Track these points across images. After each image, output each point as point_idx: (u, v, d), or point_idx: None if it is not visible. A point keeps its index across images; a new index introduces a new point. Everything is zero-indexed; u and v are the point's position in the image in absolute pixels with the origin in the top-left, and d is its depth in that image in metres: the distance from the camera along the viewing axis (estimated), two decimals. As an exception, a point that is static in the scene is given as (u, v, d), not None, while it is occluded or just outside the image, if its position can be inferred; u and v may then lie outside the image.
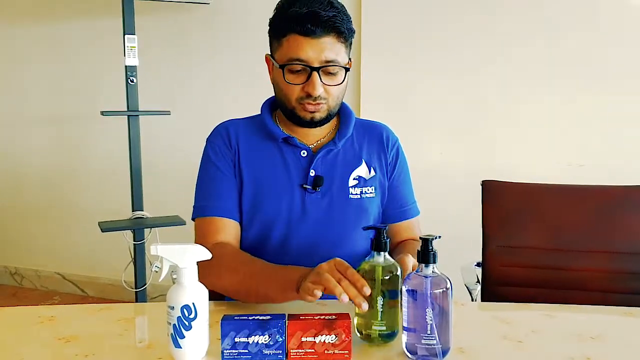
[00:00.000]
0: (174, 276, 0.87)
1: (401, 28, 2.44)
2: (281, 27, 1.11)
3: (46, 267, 3.25)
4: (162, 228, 2.49)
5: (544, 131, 2.32)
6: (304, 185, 1.18)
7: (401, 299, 0.88)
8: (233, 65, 2.74)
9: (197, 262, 0.87)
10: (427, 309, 0.84)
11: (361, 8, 2.46)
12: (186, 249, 0.86)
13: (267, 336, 0.85)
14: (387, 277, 0.90)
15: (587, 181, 1.50)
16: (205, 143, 1.25)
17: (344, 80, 1.15)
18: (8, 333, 1.00)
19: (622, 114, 2.22)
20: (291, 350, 0.85)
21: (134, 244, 2.50)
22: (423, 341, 0.85)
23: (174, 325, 0.84)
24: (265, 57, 1.20)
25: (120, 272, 2.64)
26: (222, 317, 0.87)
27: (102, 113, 2.38)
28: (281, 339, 0.85)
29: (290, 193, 1.18)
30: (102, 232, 2.35)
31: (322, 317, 0.86)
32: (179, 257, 0.85)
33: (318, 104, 1.13)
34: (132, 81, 2.41)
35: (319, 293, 0.88)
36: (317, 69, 1.10)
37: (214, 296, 1.21)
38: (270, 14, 1.16)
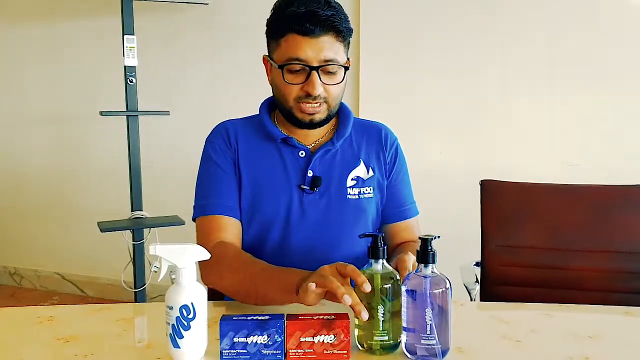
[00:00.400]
0: (173, 276, 0.87)
1: (400, 28, 2.44)
2: (279, 27, 1.11)
3: (45, 267, 3.25)
4: (161, 228, 2.49)
5: (543, 131, 2.32)
6: (302, 186, 1.18)
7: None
8: (232, 65, 2.74)
9: (199, 262, 0.87)
10: (426, 309, 0.84)
11: (360, 8, 2.46)
12: (185, 249, 0.86)
13: (265, 336, 0.85)
14: (386, 285, 0.87)
15: (586, 181, 1.50)
16: (204, 143, 1.25)
17: (343, 79, 1.14)
18: (7, 333, 1.00)
19: (621, 114, 2.23)
20: (290, 351, 0.85)
21: (133, 244, 2.50)
22: (423, 341, 0.85)
23: (173, 325, 0.84)
24: (263, 59, 1.20)
25: (119, 272, 2.64)
26: (220, 317, 0.86)
27: (101, 113, 2.38)
28: (280, 339, 0.85)
29: (289, 194, 1.18)
30: (102, 232, 2.35)
31: (321, 317, 0.86)
32: (178, 257, 0.85)
33: (317, 103, 1.13)
34: (131, 81, 2.41)
35: (316, 295, 0.87)
36: (317, 69, 1.10)
37: (212, 296, 1.21)
38: (269, 15, 1.16)
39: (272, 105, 1.25)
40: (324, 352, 0.85)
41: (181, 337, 0.84)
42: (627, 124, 2.23)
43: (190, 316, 0.84)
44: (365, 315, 0.84)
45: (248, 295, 1.07)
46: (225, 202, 1.18)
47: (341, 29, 1.11)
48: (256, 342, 0.85)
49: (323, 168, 1.20)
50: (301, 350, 0.85)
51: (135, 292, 2.52)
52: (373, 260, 0.89)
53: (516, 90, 2.34)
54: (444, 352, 0.86)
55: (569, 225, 1.43)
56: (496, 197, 1.49)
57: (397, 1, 2.43)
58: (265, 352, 0.85)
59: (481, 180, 1.51)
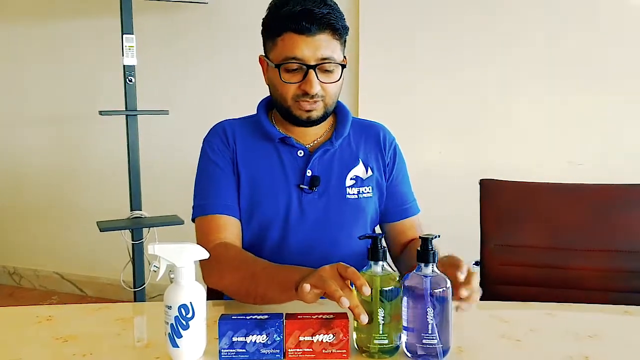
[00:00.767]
0: (172, 275, 0.86)
1: (400, 27, 2.44)
2: (275, 26, 1.11)
3: (45, 266, 3.25)
4: (161, 228, 2.49)
5: (543, 131, 2.32)
6: (301, 186, 1.18)
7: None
8: (231, 65, 2.74)
9: (200, 262, 0.87)
10: (428, 309, 0.84)
11: (359, 7, 2.45)
12: (183, 248, 0.85)
13: (264, 335, 0.85)
14: (386, 288, 0.85)
15: (586, 181, 1.50)
16: (202, 143, 1.25)
17: (340, 78, 1.14)
18: (6, 333, 0.99)
19: (621, 114, 2.23)
20: (289, 350, 0.85)
21: (133, 244, 2.50)
22: (424, 341, 0.84)
23: (172, 324, 0.84)
24: (260, 59, 1.20)
25: (118, 272, 2.63)
26: (219, 317, 0.86)
27: (101, 113, 2.38)
28: (279, 339, 0.85)
29: (287, 193, 1.18)
30: (101, 231, 2.35)
31: (320, 316, 0.86)
32: (177, 256, 0.85)
33: (315, 101, 1.13)
34: (130, 81, 2.40)
35: (314, 294, 0.87)
36: (314, 67, 1.10)
37: (211, 295, 1.21)
38: (265, 14, 1.15)
39: (270, 105, 1.25)
40: (323, 351, 0.85)
41: (180, 336, 0.84)
42: (627, 124, 2.23)
43: (189, 316, 0.83)
44: (364, 318, 0.82)
45: (248, 294, 1.06)
46: (224, 201, 1.18)
47: (337, 27, 1.10)
48: (255, 341, 0.85)
49: (322, 168, 1.20)
50: (300, 350, 0.85)
51: (134, 291, 2.52)
52: (372, 262, 0.88)
53: (516, 90, 2.33)
54: (444, 352, 0.85)
55: (569, 225, 1.43)
56: (496, 196, 1.49)
57: (397, 1, 2.43)
58: (264, 351, 0.85)
59: (480, 180, 1.51)
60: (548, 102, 2.30)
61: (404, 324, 0.86)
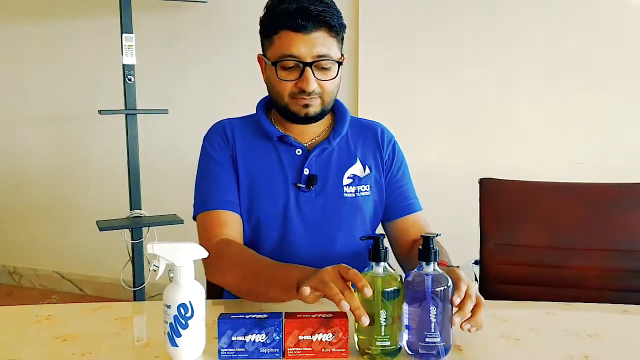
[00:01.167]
0: (171, 275, 0.86)
1: (399, 27, 2.44)
2: (272, 24, 1.11)
3: (44, 266, 3.25)
4: (160, 227, 2.49)
5: (543, 131, 2.32)
6: (298, 184, 1.18)
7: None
8: (231, 64, 2.74)
9: (203, 260, 0.86)
10: (430, 307, 0.84)
11: (359, 6, 2.45)
12: (183, 247, 0.85)
13: (264, 335, 0.85)
14: (388, 289, 0.84)
15: (586, 181, 1.50)
16: (202, 141, 1.25)
17: (337, 75, 1.14)
18: (5, 332, 0.99)
19: (621, 113, 2.23)
20: (288, 349, 0.85)
21: (132, 243, 2.50)
22: (426, 339, 0.84)
23: (171, 323, 0.84)
24: (258, 57, 1.20)
25: (118, 271, 2.63)
26: (219, 316, 0.86)
27: (100, 112, 2.38)
28: (278, 338, 0.85)
29: (285, 192, 1.18)
30: (100, 231, 2.35)
31: (319, 315, 0.86)
32: (176, 255, 0.85)
33: (312, 98, 1.13)
34: (129, 80, 2.40)
35: (314, 295, 0.86)
36: (310, 64, 1.10)
37: (211, 294, 1.21)
38: (263, 13, 1.16)
39: (269, 104, 1.26)
40: (322, 350, 0.85)
41: (179, 335, 0.84)
42: (627, 124, 2.23)
43: (188, 315, 0.83)
44: (365, 320, 0.81)
45: (250, 292, 1.06)
46: (225, 197, 1.18)
47: (333, 24, 1.10)
48: (254, 340, 0.85)
49: (319, 166, 1.20)
50: (299, 349, 0.85)
51: (134, 290, 2.52)
52: (374, 263, 0.87)
53: (516, 90, 2.33)
54: (446, 350, 0.86)
55: (568, 224, 1.43)
56: (495, 195, 1.49)
57: (397, 0, 2.43)
58: (263, 350, 0.85)
59: (480, 179, 1.51)
60: (548, 102, 2.30)
61: (405, 322, 0.86)
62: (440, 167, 2.42)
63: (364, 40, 2.46)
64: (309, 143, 1.22)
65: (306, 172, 1.19)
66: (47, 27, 3.05)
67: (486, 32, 2.34)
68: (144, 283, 2.54)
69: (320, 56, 1.10)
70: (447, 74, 2.40)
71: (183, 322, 0.83)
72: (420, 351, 0.85)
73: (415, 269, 0.88)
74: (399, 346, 0.87)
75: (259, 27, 1.16)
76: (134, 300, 2.52)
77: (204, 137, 1.25)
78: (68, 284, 3.19)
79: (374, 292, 0.83)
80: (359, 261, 0.94)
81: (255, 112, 1.25)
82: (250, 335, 0.85)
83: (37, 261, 3.26)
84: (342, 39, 1.16)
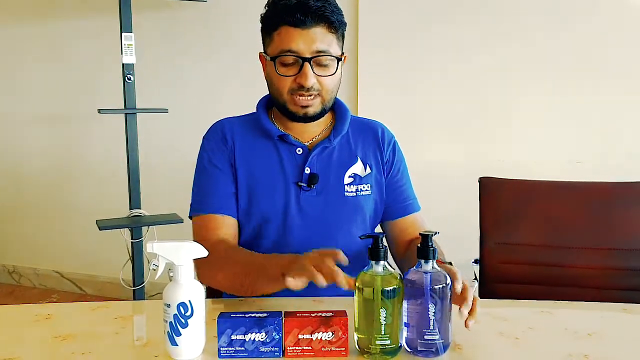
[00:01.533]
0: (171, 274, 0.86)
1: (399, 26, 2.44)
2: (272, 20, 1.12)
3: (44, 265, 3.25)
4: (160, 226, 2.50)
5: (543, 130, 2.32)
6: (299, 183, 1.18)
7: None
8: (231, 63, 2.74)
9: (195, 261, 0.87)
10: (429, 305, 0.84)
11: (358, 6, 2.45)
12: (182, 246, 0.85)
13: (263, 333, 0.85)
14: (388, 288, 0.84)
15: (585, 180, 1.50)
16: (201, 141, 1.25)
17: (336, 72, 1.14)
18: (4, 331, 0.99)
19: (621, 113, 2.22)
20: (288, 348, 0.85)
21: (132, 242, 2.50)
22: (425, 337, 0.85)
23: (170, 322, 0.84)
24: (259, 55, 1.20)
25: (118, 271, 2.64)
26: (218, 315, 0.86)
27: (99, 111, 2.38)
28: (278, 336, 0.85)
29: (286, 191, 1.18)
30: (100, 230, 2.35)
31: (319, 314, 0.86)
32: (175, 254, 0.85)
33: (311, 95, 1.13)
34: (129, 79, 2.40)
35: (301, 282, 0.88)
36: (309, 60, 1.10)
37: (210, 294, 1.21)
38: (264, 10, 1.16)
39: (270, 103, 1.26)
40: (322, 349, 0.85)
41: (179, 334, 0.84)
42: (627, 123, 2.23)
43: (188, 314, 0.83)
44: (341, 279, 0.83)
45: (242, 287, 1.06)
46: (220, 200, 1.18)
47: (332, 20, 1.11)
48: (254, 339, 0.85)
49: (320, 165, 1.20)
50: (299, 348, 0.85)
51: (133, 290, 2.52)
52: (374, 262, 0.87)
53: (516, 90, 2.33)
54: (445, 347, 0.86)
55: (568, 223, 1.43)
56: (495, 194, 1.49)
57: (397, 0, 2.42)
58: (263, 349, 0.85)
59: (480, 178, 1.51)
60: (548, 102, 2.30)
61: (404, 320, 0.86)
62: (440, 167, 2.42)
63: (364, 40, 2.46)
64: (310, 142, 1.22)
65: (307, 171, 1.19)
66: (47, 27, 3.04)
67: (486, 32, 2.34)
68: (143, 282, 2.54)
69: (319, 52, 1.10)
70: (447, 74, 2.40)
71: (183, 321, 0.83)
72: (419, 348, 0.86)
73: (414, 267, 0.88)
74: (399, 345, 0.87)
75: (259, 24, 1.17)
76: (134, 299, 2.52)
77: (203, 137, 1.25)
78: (68, 283, 3.19)
79: (373, 291, 0.84)
80: (359, 260, 0.94)
81: (255, 110, 1.25)
82: (250, 334, 0.85)
83: (37, 260, 3.26)
84: (343, 36, 1.16)
